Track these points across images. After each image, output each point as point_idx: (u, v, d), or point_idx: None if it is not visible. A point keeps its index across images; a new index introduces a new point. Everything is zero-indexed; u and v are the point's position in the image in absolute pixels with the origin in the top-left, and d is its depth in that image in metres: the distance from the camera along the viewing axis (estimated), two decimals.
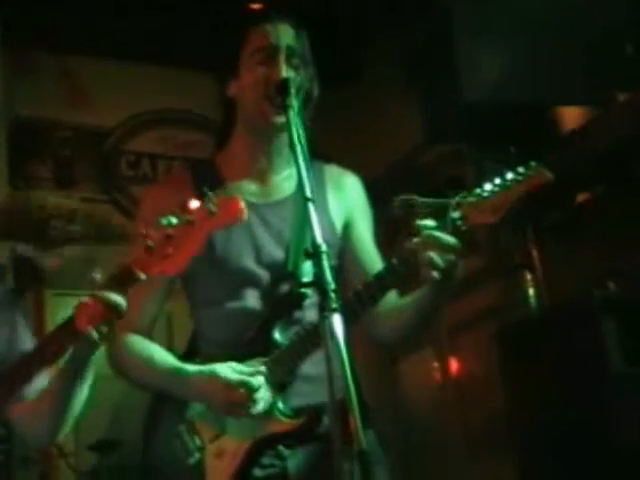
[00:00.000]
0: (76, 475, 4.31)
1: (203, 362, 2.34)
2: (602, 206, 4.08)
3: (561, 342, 3.69)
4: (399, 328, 2.46)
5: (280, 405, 2.32)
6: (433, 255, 2.15)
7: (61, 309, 4.65)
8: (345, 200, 2.54)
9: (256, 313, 2.41)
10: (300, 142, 2.16)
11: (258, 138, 2.49)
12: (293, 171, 2.48)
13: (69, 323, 2.05)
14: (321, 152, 2.53)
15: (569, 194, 4.18)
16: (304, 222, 2.25)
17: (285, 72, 2.40)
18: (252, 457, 2.33)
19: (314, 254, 1.97)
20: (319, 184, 2.50)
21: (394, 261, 2.27)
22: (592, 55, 3.98)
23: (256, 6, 4.17)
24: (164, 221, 2.03)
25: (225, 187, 2.39)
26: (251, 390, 2.24)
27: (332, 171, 2.58)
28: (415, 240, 2.18)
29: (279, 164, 2.54)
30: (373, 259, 2.49)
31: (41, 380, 2.19)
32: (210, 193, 2.06)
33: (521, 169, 2.18)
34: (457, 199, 2.21)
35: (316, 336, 2.14)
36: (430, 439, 4.78)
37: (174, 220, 2.02)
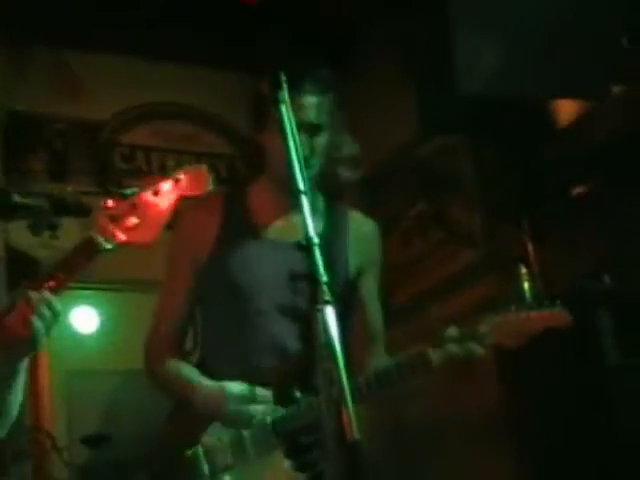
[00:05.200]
0: (69, 469, 4.31)
1: None
2: (598, 199, 4.06)
3: (556, 334, 3.69)
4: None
5: (285, 462, 2.39)
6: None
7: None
8: (364, 250, 2.63)
9: (271, 358, 2.48)
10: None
11: (284, 183, 2.46)
12: (321, 210, 2.61)
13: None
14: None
15: (565, 187, 4.18)
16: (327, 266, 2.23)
17: (307, 151, 2.49)
18: None
19: (307, 246, 1.97)
20: (342, 227, 2.63)
21: (403, 361, 2.40)
22: (589, 48, 3.95)
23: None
24: (128, 191, 2.04)
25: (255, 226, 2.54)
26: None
27: (356, 218, 2.68)
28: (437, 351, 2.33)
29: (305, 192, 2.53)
30: (375, 317, 2.62)
31: None
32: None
33: (547, 303, 2.40)
34: (487, 318, 2.37)
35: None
36: (427, 432, 4.78)
37: (138, 190, 2.03)
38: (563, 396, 3.59)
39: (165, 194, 2.02)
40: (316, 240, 1.98)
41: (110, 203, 2.02)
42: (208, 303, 2.60)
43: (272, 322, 2.51)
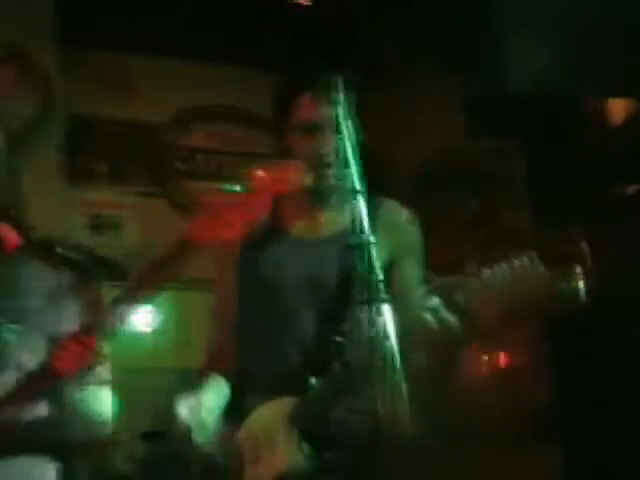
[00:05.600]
0: (130, 463, 4.40)
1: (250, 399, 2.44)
2: None
3: (608, 335, 3.70)
4: None
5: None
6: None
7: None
8: (395, 238, 2.50)
9: (295, 351, 2.43)
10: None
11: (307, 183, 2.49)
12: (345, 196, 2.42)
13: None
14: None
15: (615, 187, 4.17)
16: (352, 267, 2.22)
17: (323, 149, 2.42)
18: None
19: (360, 246, 2.01)
20: (371, 220, 2.43)
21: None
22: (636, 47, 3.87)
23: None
24: (227, 187, 2.05)
25: (280, 224, 2.48)
26: None
27: (387, 207, 2.56)
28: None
29: (329, 191, 2.51)
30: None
31: None
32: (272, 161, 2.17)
33: (525, 262, 2.14)
34: (463, 281, 2.20)
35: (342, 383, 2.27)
36: (476, 429, 4.67)
37: (237, 187, 2.05)
38: (613, 395, 3.62)
39: (261, 190, 2.04)
40: (372, 240, 2.01)
41: (211, 201, 2.03)
42: (241, 302, 2.59)
43: (299, 320, 2.47)
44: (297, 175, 2.14)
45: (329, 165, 2.43)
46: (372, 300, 1.96)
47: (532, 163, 4.61)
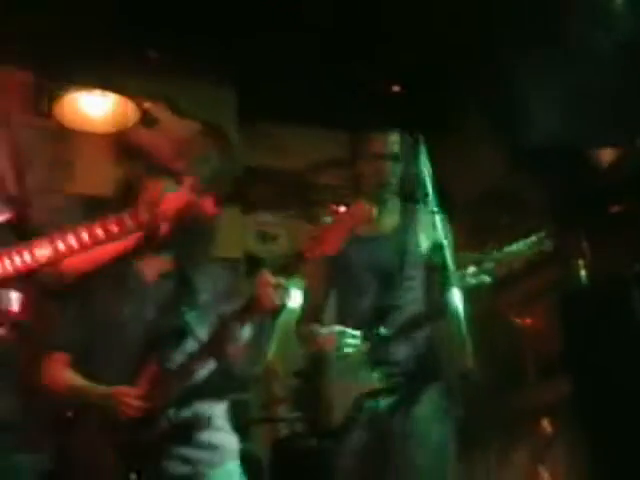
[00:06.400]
0: (286, 390, 4.85)
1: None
2: (630, 215, 4.32)
3: (600, 305, 3.95)
4: None
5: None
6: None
7: None
8: (431, 235, 2.61)
9: (367, 311, 2.65)
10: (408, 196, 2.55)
11: (371, 196, 2.71)
12: (397, 205, 2.76)
13: None
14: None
15: (606, 206, 4.43)
16: (403, 253, 2.56)
17: (388, 176, 2.72)
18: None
19: (439, 246, 2.38)
20: (413, 220, 2.75)
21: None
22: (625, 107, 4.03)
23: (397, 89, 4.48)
24: (326, 219, 2.46)
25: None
26: None
27: (424, 211, 2.67)
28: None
29: (386, 201, 2.81)
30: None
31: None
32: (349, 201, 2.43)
33: (534, 239, 2.44)
34: (492, 255, 2.46)
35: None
36: (510, 368, 4.94)
37: (329, 219, 2.40)
38: (606, 345, 3.77)
39: (342, 221, 2.27)
40: (445, 242, 2.38)
41: (315, 229, 2.32)
42: (331, 281, 2.84)
43: (368, 291, 2.65)
44: (364, 212, 2.28)
45: (387, 184, 2.70)
46: (447, 280, 2.27)
47: (551, 191, 4.77)
